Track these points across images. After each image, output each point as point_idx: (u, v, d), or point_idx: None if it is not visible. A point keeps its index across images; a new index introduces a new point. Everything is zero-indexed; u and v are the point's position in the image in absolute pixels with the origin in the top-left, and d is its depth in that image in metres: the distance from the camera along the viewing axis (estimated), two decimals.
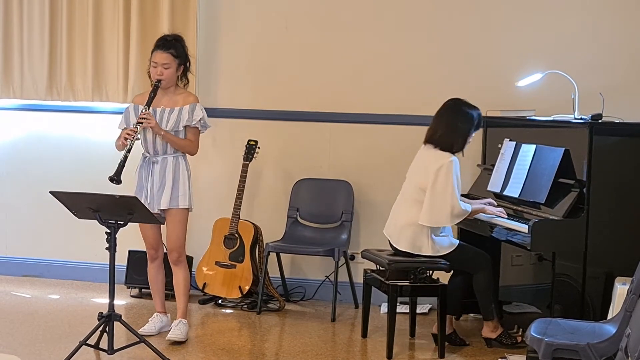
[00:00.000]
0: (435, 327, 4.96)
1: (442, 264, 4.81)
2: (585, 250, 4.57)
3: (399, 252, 4.88)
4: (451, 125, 4.84)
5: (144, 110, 4.83)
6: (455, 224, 5.25)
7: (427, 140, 4.91)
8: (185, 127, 4.93)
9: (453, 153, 4.81)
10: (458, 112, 4.88)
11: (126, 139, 4.76)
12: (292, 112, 6.00)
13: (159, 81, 4.89)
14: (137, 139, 4.82)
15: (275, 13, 6.01)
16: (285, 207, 5.98)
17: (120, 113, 5.94)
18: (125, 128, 4.94)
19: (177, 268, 5.03)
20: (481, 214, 4.93)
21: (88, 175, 6.19)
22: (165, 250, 5.11)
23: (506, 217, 4.83)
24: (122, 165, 4.67)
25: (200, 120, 4.94)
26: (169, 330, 5.00)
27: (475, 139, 5.57)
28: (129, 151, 4.72)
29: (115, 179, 4.65)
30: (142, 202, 4.85)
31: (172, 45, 4.94)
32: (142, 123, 4.79)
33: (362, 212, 5.96)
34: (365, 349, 5.02)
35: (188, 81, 5.08)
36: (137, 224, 4.86)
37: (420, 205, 4.79)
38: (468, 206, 4.84)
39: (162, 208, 4.92)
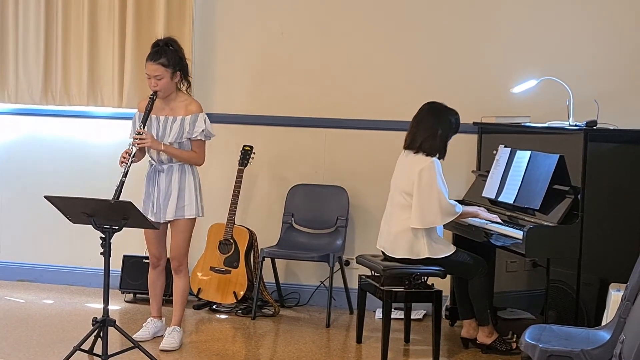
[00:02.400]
0: (464, 331, 5.05)
1: (437, 270, 4.81)
2: (579, 257, 4.58)
3: (395, 261, 4.87)
4: (430, 131, 4.81)
5: (139, 128, 4.74)
6: (451, 230, 5.28)
7: (407, 147, 4.90)
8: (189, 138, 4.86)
9: (434, 157, 4.80)
10: (436, 117, 4.85)
11: (122, 162, 4.66)
12: (288, 117, 6.01)
13: (155, 93, 4.78)
14: (134, 161, 4.71)
15: (271, 19, 6.02)
16: (280, 212, 5.98)
17: (116, 118, 5.94)
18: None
19: (178, 276, 5.01)
20: (475, 218, 4.93)
21: (83, 179, 6.19)
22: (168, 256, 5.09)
23: (499, 222, 4.83)
24: (119, 190, 4.53)
25: (202, 131, 4.83)
26: (163, 336, 4.99)
27: (470, 145, 5.60)
28: (125, 175, 4.58)
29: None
30: (149, 211, 4.84)
31: (163, 53, 4.77)
32: (137, 144, 4.69)
33: (357, 217, 5.96)
34: (360, 355, 5.02)
35: (190, 84, 4.93)
36: (143, 232, 4.87)
37: (410, 210, 4.79)
38: (459, 206, 4.83)
39: (167, 219, 4.88)
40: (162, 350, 4.87)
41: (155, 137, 4.81)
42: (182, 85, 4.91)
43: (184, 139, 4.84)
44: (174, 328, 4.98)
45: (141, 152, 4.88)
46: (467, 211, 4.89)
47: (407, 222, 4.79)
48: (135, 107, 6.01)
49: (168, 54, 4.79)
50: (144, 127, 4.74)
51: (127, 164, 4.63)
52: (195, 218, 4.96)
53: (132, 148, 4.69)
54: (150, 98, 4.77)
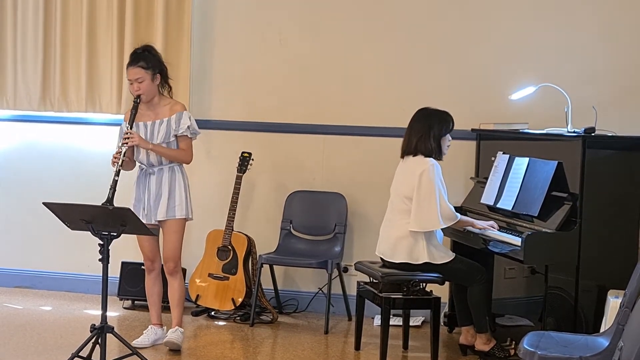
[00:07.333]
0: (462, 338, 5.05)
1: (436, 277, 4.81)
2: (577, 263, 4.58)
3: (394, 267, 4.87)
4: (423, 133, 4.84)
5: (126, 129, 4.82)
6: (449, 236, 5.28)
7: (404, 153, 4.93)
8: (175, 136, 4.93)
9: (432, 158, 4.83)
10: (427, 119, 4.89)
11: (113, 162, 4.72)
12: (286, 124, 6.01)
13: (138, 97, 4.86)
14: (124, 160, 4.76)
15: (269, 26, 6.03)
16: (278, 219, 5.98)
17: (114, 124, 5.94)
18: None
19: (173, 278, 5.03)
20: (472, 227, 4.93)
21: (81, 186, 6.19)
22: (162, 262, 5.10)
23: (497, 229, 4.83)
24: (113, 190, 4.56)
25: (188, 128, 4.91)
26: (164, 342, 5.00)
27: (469, 151, 5.61)
28: (117, 174, 4.64)
29: (109, 205, 4.59)
30: (140, 213, 4.87)
31: (141, 57, 4.88)
32: (126, 143, 4.76)
33: (356, 224, 5.96)
34: None
35: (171, 87, 5.03)
36: (135, 235, 4.86)
37: (409, 215, 4.79)
38: (457, 214, 4.85)
39: (159, 219, 4.92)
40: (166, 344, 4.92)
41: None
42: (163, 89, 4.99)
43: (172, 139, 4.91)
44: (177, 328, 5.00)
45: (131, 161, 4.95)
46: (464, 220, 4.91)
47: (408, 227, 4.79)
48: None
49: (147, 58, 4.90)
50: (130, 129, 4.81)
51: (118, 163, 4.69)
52: (185, 219, 4.98)
53: (122, 147, 4.75)
54: (134, 102, 4.86)
